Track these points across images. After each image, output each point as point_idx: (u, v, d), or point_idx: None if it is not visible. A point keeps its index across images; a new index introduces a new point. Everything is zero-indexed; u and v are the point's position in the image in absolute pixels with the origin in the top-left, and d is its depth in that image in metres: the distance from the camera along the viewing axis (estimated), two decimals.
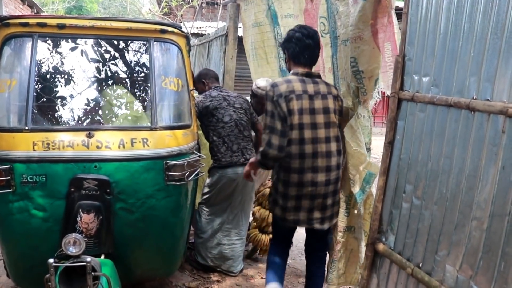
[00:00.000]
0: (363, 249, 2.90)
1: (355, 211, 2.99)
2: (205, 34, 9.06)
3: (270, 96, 2.70)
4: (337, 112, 2.82)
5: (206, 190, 3.90)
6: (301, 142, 2.70)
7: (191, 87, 3.18)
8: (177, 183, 2.83)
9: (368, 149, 2.95)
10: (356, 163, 2.86)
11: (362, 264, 2.89)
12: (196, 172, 3.00)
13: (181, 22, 11.63)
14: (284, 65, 4.03)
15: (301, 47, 2.79)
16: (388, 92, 3.36)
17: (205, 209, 3.93)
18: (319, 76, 2.85)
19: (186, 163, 2.88)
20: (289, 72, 2.93)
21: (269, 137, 2.66)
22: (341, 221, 3.01)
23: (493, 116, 1.81)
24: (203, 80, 4.06)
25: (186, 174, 2.88)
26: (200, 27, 12.10)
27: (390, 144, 2.54)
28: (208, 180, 3.90)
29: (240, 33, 5.24)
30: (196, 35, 10.68)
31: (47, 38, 2.88)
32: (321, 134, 2.72)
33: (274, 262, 2.98)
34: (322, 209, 2.79)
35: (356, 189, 2.87)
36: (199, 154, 3.12)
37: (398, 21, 3.26)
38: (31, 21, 2.78)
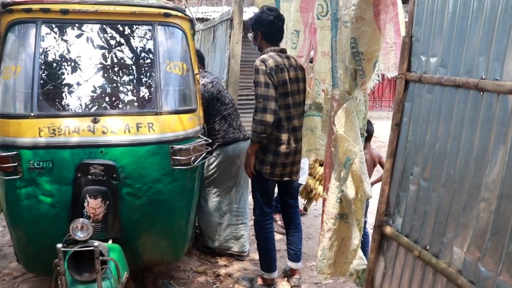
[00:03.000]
0: (356, 235, 2.83)
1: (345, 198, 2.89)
2: (210, 18, 8.99)
3: (263, 70, 3.07)
4: (303, 80, 3.38)
5: (210, 172, 3.87)
6: (286, 107, 3.20)
7: (196, 71, 3.16)
8: (183, 167, 2.84)
9: (362, 135, 2.88)
10: (339, 147, 2.83)
11: (352, 250, 2.85)
12: (202, 156, 3.00)
13: (186, 7, 11.52)
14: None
15: (275, 29, 3.28)
16: (388, 74, 3.31)
17: (211, 192, 3.93)
18: (286, 52, 3.35)
19: (192, 147, 2.88)
20: (259, 49, 3.37)
21: (264, 104, 3.04)
22: (333, 207, 2.93)
23: (502, 96, 1.78)
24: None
25: (192, 158, 2.88)
26: (205, 12, 11.99)
27: (397, 126, 2.51)
28: (208, 163, 3.86)
29: (245, 17, 5.19)
30: (201, 20, 10.59)
31: (51, 24, 2.87)
32: (296, 99, 3.28)
33: (271, 243, 3.44)
34: (296, 164, 3.38)
35: (342, 175, 2.83)
36: (205, 138, 3.11)
37: (402, 3, 3.21)
38: (34, 7, 2.77)
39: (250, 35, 3.41)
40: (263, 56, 3.18)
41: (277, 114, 3.08)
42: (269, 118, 3.03)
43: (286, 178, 3.36)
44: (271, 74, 3.07)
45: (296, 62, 3.37)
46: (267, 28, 3.27)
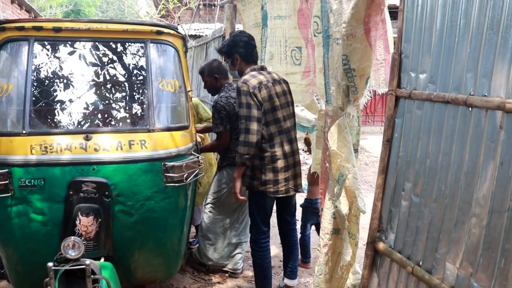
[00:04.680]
0: (347, 251, 2.80)
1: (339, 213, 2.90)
2: (202, 35, 9.06)
3: (245, 91, 3.04)
4: (289, 92, 3.36)
5: (218, 188, 3.81)
6: (276, 121, 3.17)
7: (188, 88, 3.18)
8: (176, 184, 2.83)
9: (356, 150, 2.89)
10: (333, 163, 2.83)
11: (344, 266, 2.83)
12: (195, 173, 2.99)
13: (178, 24, 11.63)
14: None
15: (250, 49, 3.31)
16: (379, 91, 3.33)
17: (214, 209, 3.87)
18: (266, 69, 3.39)
19: (184, 164, 2.87)
20: (238, 73, 3.38)
21: (246, 125, 3.01)
22: (328, 223, 2.92)
23: (490, 112, 1.80)
24: (216, 76, 3.84)
25: (185, 176, 2.87)
26: (197, 29, 12.10)
27: (388, 142, 2.53)
28: (219, 178, 3.82)
29: None
30: (194, 37, 10.68)
31: (44, 42, 2.88)
32: (287, 112, 3.27)
33: (267, 262, 3.36)
34: (298, 177, 3.32)
35: (335, 190, 2.83)
36: (198, 155, 3.11)
37: (391, 19, 3.26)
38: (27, 25, 2.78)
39: (225, 62, 3.43)
40: (245, 77, 3.16)
41: (259, 134, 3.04)
42: (252, 138, 3.00)
43: (292, 193, 3.31)
44: (254, 93, 3.04)
45: (279, 76, 3.37)
46: (245, 49, 3.29)
